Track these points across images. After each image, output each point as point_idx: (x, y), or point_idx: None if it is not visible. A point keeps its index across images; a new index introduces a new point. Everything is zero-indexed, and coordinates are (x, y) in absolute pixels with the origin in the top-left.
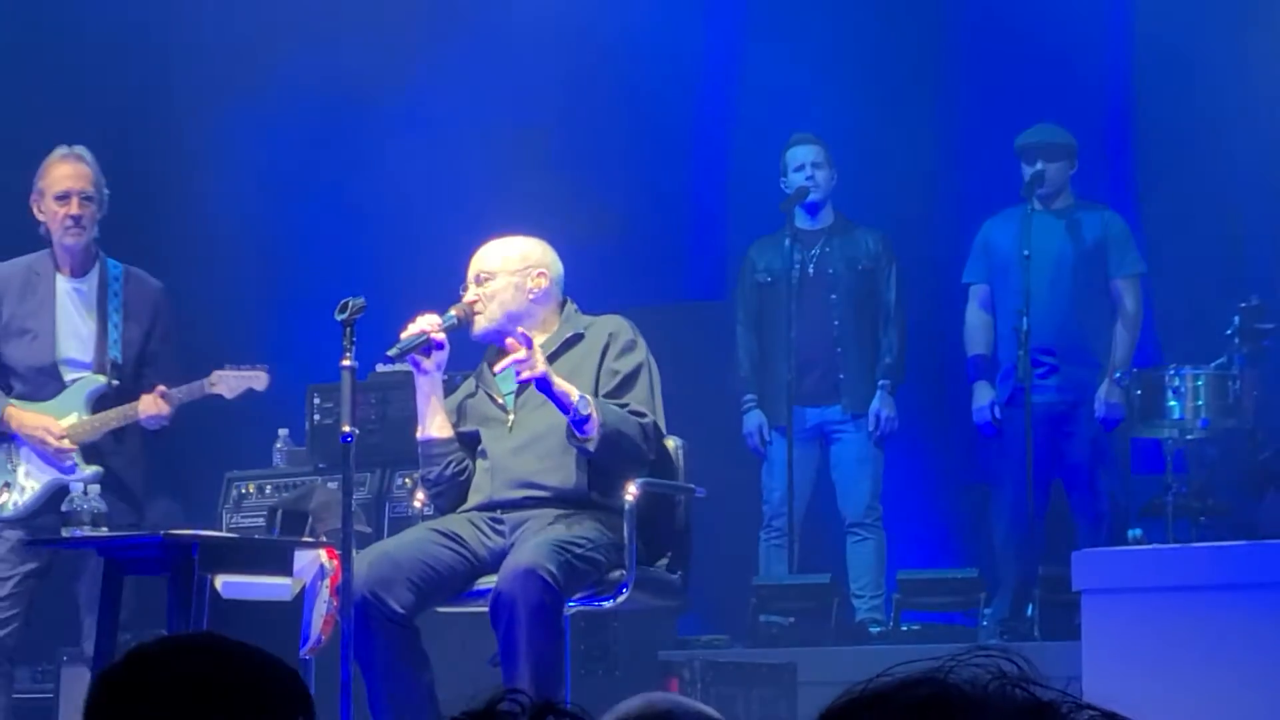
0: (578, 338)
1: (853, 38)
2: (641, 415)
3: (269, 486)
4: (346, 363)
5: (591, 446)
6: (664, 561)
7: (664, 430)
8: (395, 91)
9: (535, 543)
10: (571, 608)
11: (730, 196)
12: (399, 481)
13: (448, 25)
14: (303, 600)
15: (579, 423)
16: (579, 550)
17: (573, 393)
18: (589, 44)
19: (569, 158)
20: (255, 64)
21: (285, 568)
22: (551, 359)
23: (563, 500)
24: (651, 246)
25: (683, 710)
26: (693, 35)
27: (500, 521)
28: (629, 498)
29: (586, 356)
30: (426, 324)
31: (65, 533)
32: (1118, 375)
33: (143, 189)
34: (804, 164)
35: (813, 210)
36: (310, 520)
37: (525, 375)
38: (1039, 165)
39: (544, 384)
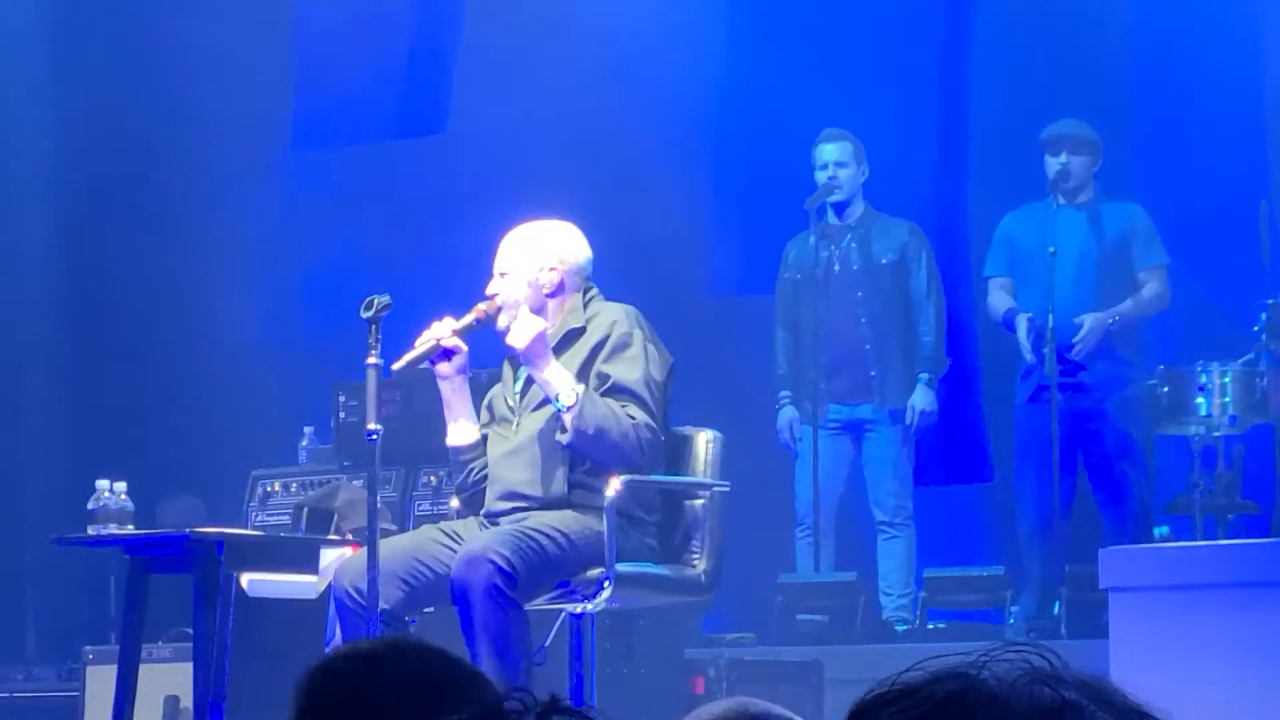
0: (578, 332)
1: (878, 29)
2: (634, 418)
3: (294, 484)
4: (372, 360)
5: (565, 441)
6: (692, 557)
7: (659, 430)
8: (421, 87)
9: (492, 532)
10: (549, 604)
11: (760, 191)
12: (424, 479)
13: (466, 23)
14: (328, 598)
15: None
16: (544, 540)
17: (559, 384)
18: (612, 38)
19: (595, 152)
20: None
21: (311, 566)
22: (554, 353)
23: (546, 509)
24: (681, 242)
25: (763, 715)
26: (719, 27)
27: (498, 525)
28: (610, 493)
29: (578, 354)
30: (440, 331)
31: (91, 531)
32: (1113, 321)
33: (160, 187)
34: (828, 163)
35: (839, 208)
36: (336, 518)
37: (509, 339)
38: (1063, 158)
39: (529, 360)
